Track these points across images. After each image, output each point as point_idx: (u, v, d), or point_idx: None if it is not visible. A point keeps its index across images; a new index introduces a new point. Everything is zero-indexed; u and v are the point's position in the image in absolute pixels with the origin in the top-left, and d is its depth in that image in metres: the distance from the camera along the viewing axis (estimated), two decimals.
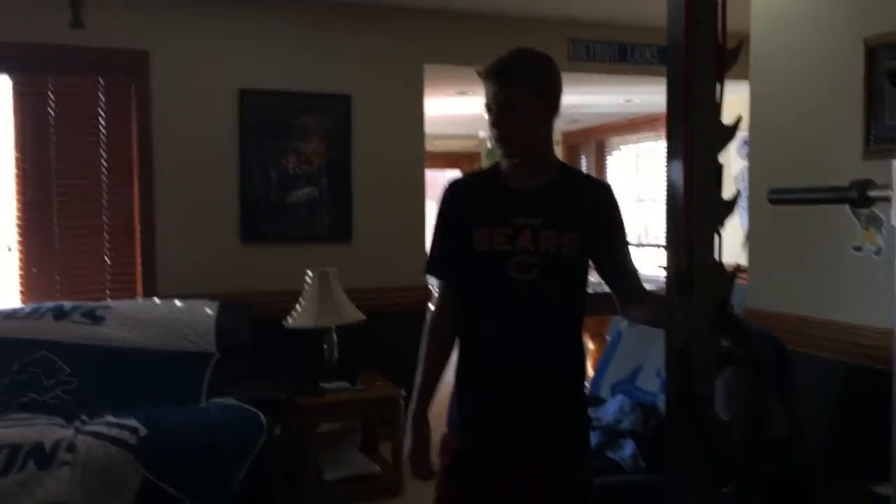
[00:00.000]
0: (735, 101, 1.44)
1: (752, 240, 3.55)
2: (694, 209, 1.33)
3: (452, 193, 2.01)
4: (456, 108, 7.02)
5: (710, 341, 1.38)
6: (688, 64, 1.29)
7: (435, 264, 2.04)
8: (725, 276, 1.39)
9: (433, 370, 2.01)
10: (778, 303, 3.24)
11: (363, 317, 4.06)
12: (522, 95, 1.87)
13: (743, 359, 1.70)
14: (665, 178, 1.38)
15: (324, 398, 3.93)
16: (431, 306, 2.17)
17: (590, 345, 6.77)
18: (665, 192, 1.38)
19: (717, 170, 1.35)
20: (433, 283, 2.04)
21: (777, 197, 1.67)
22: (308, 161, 4.60)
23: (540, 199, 1.91)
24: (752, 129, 3.52)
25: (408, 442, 2.04)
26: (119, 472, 3.19)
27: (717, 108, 1.33)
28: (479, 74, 1.91)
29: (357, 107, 4.66)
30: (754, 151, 3.55)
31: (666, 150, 1.36)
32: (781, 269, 3.29)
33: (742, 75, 3.48)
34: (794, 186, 1.86)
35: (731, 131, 1.37)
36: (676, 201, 1.35)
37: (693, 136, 1.30)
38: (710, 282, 1.36)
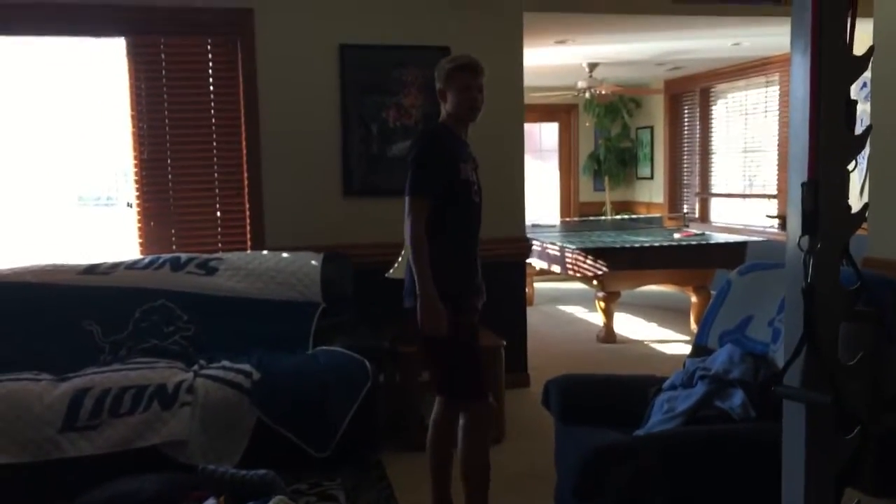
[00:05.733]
0: (857, 39, 1.35)
1: (873, 185, 3.37)
2: (821, 145, 1.27)
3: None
4: (554, 58, 6.88)
5: (835, 283, 1.33)
6: None
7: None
8: (853, 217, 1.33)
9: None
10: None
11: None
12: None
13: (864, 312, 1.63)
14: (790, 113, 1.32)
15: None
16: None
17: (692, 298, 6.64)
18: (790, 127, 1.32)
19: (848, 103, 1.27)
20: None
21: None
22: (407, 114, 4.62)
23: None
24: (875, 67, 3.31)
25: (426, 306, 2.80)
26: (234, 413, 3.36)
27: (847, 36, 1.26)
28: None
29: None
30: (877, 91, 3.35)
31: (791, 81, 1.29)
32: None
33: (865, 13, 3.26)
34: None
35: (862, 62, 1.29)
36: (801, 137, 1.29)
37: (821, 67, 1.24)
38: (836, 222, 1.31)
